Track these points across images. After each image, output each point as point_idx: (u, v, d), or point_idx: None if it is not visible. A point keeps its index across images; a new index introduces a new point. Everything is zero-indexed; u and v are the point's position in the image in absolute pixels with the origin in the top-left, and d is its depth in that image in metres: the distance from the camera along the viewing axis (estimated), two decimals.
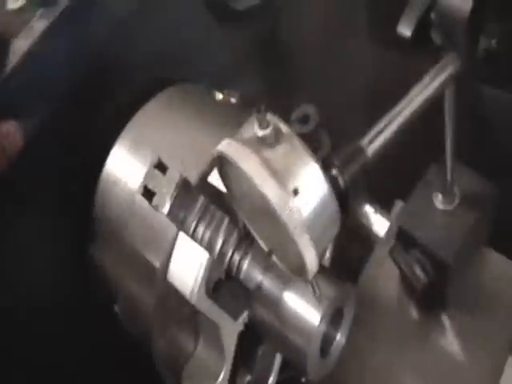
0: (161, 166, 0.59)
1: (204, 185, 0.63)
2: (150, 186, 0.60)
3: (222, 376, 0.74)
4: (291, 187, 0.45)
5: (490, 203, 0.80)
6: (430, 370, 0.85)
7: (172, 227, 0.63)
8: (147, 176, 0.59)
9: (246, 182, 0.47)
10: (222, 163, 0.51)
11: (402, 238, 0.78)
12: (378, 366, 0.85)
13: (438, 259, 0.78)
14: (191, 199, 0.61)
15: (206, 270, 0.63)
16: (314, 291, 0.63)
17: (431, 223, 0.79)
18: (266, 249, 0.56)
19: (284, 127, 0.46)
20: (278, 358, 0.82)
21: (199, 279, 0.63)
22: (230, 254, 0.66)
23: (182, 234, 0.63)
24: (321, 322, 0.66)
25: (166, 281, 0.67)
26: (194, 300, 0.64)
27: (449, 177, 0.76)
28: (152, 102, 0.74)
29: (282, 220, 0.45)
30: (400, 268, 0.82)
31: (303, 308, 0.67)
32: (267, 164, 0.45)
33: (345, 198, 0.48)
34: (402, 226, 0.79)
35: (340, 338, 0.71)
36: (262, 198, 0.45)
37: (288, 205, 0.45)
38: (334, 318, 0.68)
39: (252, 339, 0.76)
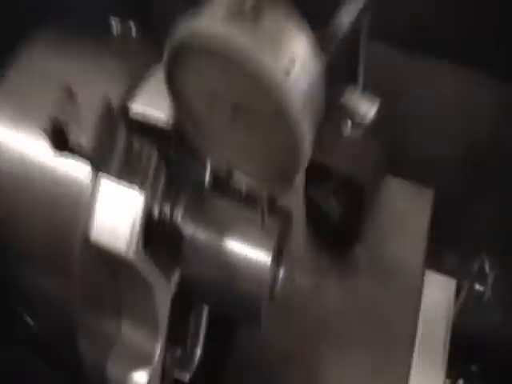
0: (71, 95, 0.49)
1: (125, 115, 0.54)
2: (60, 119, 0.49)
3: (157, 352, 0.65)
4: (286, 61, 0.38)
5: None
6: (349, 308, 0.85)
7: (84, 176, 0.53)
8: (57, 107, 0.48)
9: (223, 70, 0.39)
10: (176, 59, 0.42)
11: (315, 172, 0.77)
12: (297, 308, 0.83)
13: (352, 185, 0.78)
14: (113, 132, 0.52)
15: (141, 217, 0.53)
16: (263, 220, 0.57)
17: (343, 151, 0.79)
18: (223, 169, 0.49)
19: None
20: (203, 329, 0.75)
21: (136, 228, 0.53)
22: (159, 201, 0.58)
23: (104, 180, 0.54)
24: (272, 260, 0.59)
25: (85, 253, 0.56)
26: (131, 254, 0.54)
27: (356, 106, 0.76)
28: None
29: (278, 99, 0.38)
30: (315, 205, 0.81)
31: (251, 248, 0.60)
32: (256, 39, 0.37)
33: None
34: (315, 160, 0.77)
35: (283, 275, 0.65)
36: (250, 77, 0.38)
37: (287, 79, 0.38)
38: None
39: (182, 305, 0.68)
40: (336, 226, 0.83)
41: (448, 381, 0.85)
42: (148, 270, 0.58)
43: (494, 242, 0.90)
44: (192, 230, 0.62)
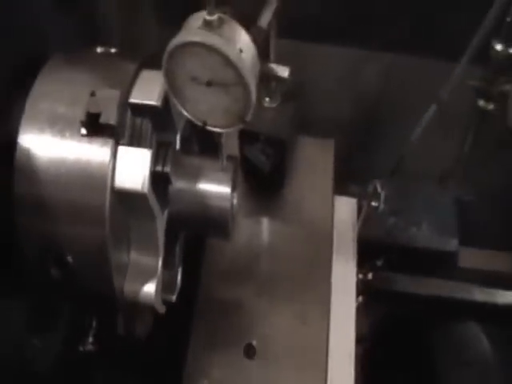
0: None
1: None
2: (93, 111, 0.77)
3: (159, 269, 0.88)
4: (238, 48, 0.68)
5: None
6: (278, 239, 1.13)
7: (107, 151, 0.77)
8: (89, 103, 0.75)
9: (202, 60, 0.68)
10: (171, 58, 0.71)
11: (247, 136, 1.05)
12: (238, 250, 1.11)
13: (275, 143, 1.05)
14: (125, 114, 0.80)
15: (150, 165, 0.79)
16: (223, 163, 0.85)
17: (265, 118, 1.06)
18: (200, 123, 0.78)
19: (223, 16, 0.68)
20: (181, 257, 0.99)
21: (146, 173, 0.78)
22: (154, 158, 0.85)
23: (121, 147, 0.80)
24: (231, 189, 0.88)
25: (113, 200, 0.77)
26: (145, 190, 0.77)
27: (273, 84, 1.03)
28: (45, 68, 0.82)
29: (236, 70, 0.67)
30: (248, 161, 1.07)
31: (217, 184, 0.89)
32: (222, 37, 0.67)
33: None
34: (246, 128, 1.05)
35: (236, 200, 0.93)
36: (220, 60, 0.67)
37: (240, 57, 0.68)
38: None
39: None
40: (265, 176, 1.09)
41: (361, 275, 1.15)
42: (153, 201, 0.83)
43: (384, 170, 1.18)
44: (176, 178, 0.89)
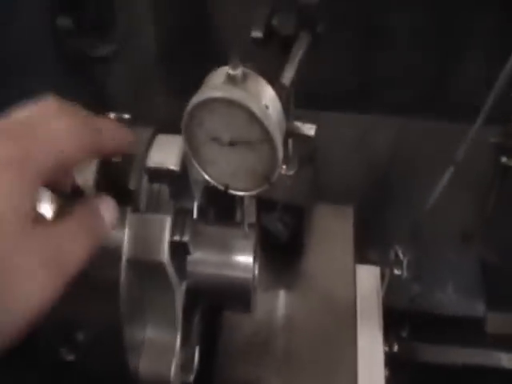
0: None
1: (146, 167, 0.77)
2: None
3: (177, 344, 0.82)
4: (264, 103, 0.64)
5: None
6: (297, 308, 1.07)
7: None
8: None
9: (227, 114, 0.64)
10: (193, 114, 0.67)
11: (264, 205, 0.98)
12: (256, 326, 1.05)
13: (294, 208, 1.01)
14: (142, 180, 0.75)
15: (169, 232, 0.75)
16: (244, 229, 0.80)
17: (282, 186, 1.02)
18: (222, 187, 0.73)
19: (247, 70, 0.65)
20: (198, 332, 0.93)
21: (166, 241, 0.73)
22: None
23: (137, 215, 0.75)
24: (253, 259, 0.83)
25: (128, 272, 0.72)
26: (164, 259, 0.73)
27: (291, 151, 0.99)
28: None
29: (262, 126, 0.63)
30: (265, 230, 1.03)
31: (238, 254, 0.83)
32: (248, 92, 0.63)
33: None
34: (263, 196, 1.01)
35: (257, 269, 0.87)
36: (245, 116, 0.63)
37: (266, 113, 0.63)
38: None
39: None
40: (283, 245, 1.05)
41: (386, 347, 1.08)
42: (172, 272, 0.78)
43: (403, 236, 1.13)
44: (194, 247, 0.83)
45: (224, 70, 0.65)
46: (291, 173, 1.04)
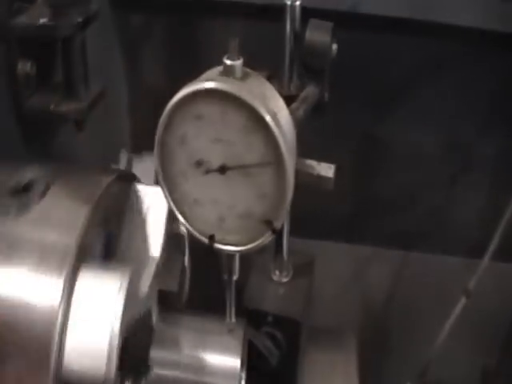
0: None
1: None
2: None
3: None
4: (271, 108, 0.48)
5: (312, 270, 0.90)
6: None
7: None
8: None
9: (219, 119, 0.47)
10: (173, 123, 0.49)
11: (253, 317, 0.82)
12: None
13: (287, 322, 0.82)
14: None
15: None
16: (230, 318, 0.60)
17: (274, 295, 0.85)
18: (205, 239, 0.54)
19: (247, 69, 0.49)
20: None
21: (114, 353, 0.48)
22: None
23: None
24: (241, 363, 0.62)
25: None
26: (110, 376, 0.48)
27: (285, 257, 0.84)
28: None
29: (266, 137, 0.47)
30: (254, 348, 0.82)
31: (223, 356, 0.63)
32: (248, 86, 0.47)
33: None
34: (251, 307, 0.81)
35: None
36: (243, 122, 0.47)
37: (275, 119, 0.47)
38: None
39: None
40: (273, 370, 0.83)
41: None
42: None
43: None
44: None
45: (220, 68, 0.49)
46: (285, 280, 0.87)
